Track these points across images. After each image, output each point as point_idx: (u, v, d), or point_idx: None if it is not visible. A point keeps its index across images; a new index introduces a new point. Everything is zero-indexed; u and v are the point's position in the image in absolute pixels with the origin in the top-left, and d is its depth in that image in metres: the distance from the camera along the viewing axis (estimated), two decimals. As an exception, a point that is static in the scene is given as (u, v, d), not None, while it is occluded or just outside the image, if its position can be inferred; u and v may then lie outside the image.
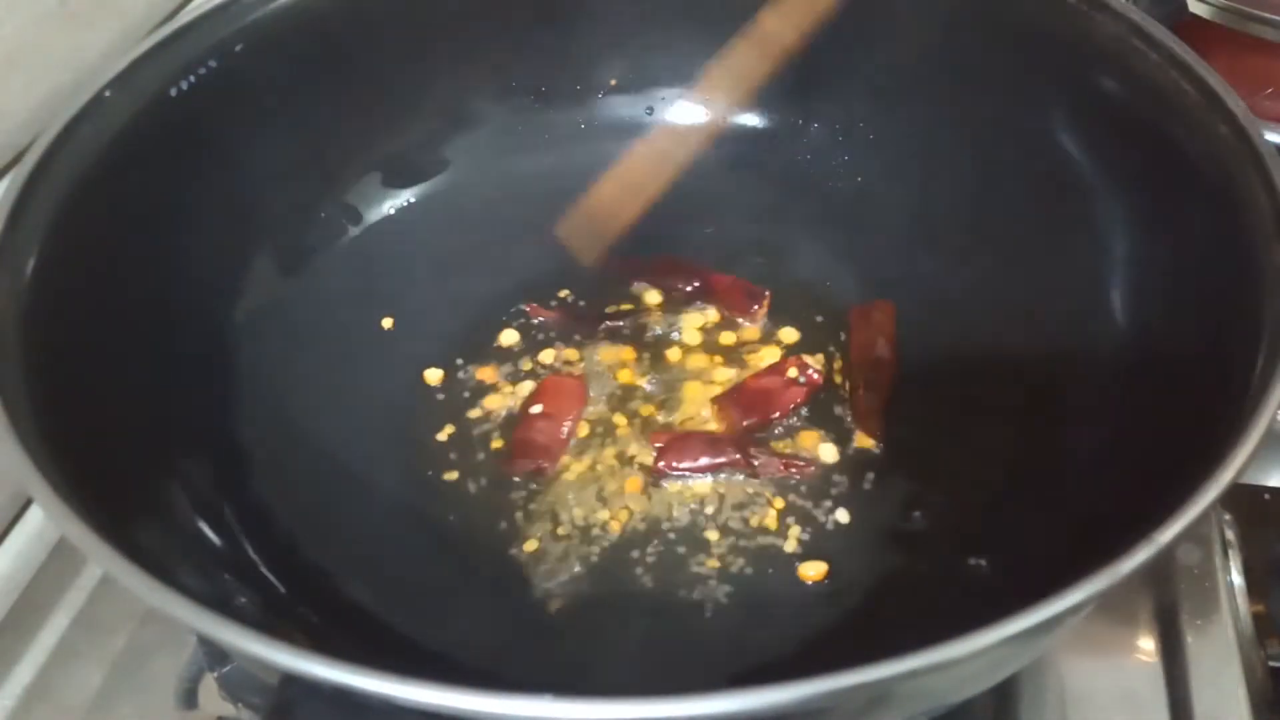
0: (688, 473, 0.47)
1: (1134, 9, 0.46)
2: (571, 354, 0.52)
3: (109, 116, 0.44)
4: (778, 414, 0.49)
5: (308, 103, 0.53)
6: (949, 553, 0.44)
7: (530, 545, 0.45)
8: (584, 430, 0.49)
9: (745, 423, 0.49)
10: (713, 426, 0.49)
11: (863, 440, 0.48)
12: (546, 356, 0.52)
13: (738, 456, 0.47)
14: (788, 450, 0.48)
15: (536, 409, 0.49)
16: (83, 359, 0.41)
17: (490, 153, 0.59)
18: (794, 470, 0.47)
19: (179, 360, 0.46)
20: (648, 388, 0.51)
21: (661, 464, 0.47)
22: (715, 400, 0.50)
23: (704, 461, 0.47)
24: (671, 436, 0.48)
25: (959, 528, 0.45)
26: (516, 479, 0.47)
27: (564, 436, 0.48)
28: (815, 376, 0.50)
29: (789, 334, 0.53)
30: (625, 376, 0.51)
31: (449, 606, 0.43)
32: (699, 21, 0.57)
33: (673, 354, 0.52)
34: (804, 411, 0.49)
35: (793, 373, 0.50)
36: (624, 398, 0.50)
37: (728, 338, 0.53)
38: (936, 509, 0.46)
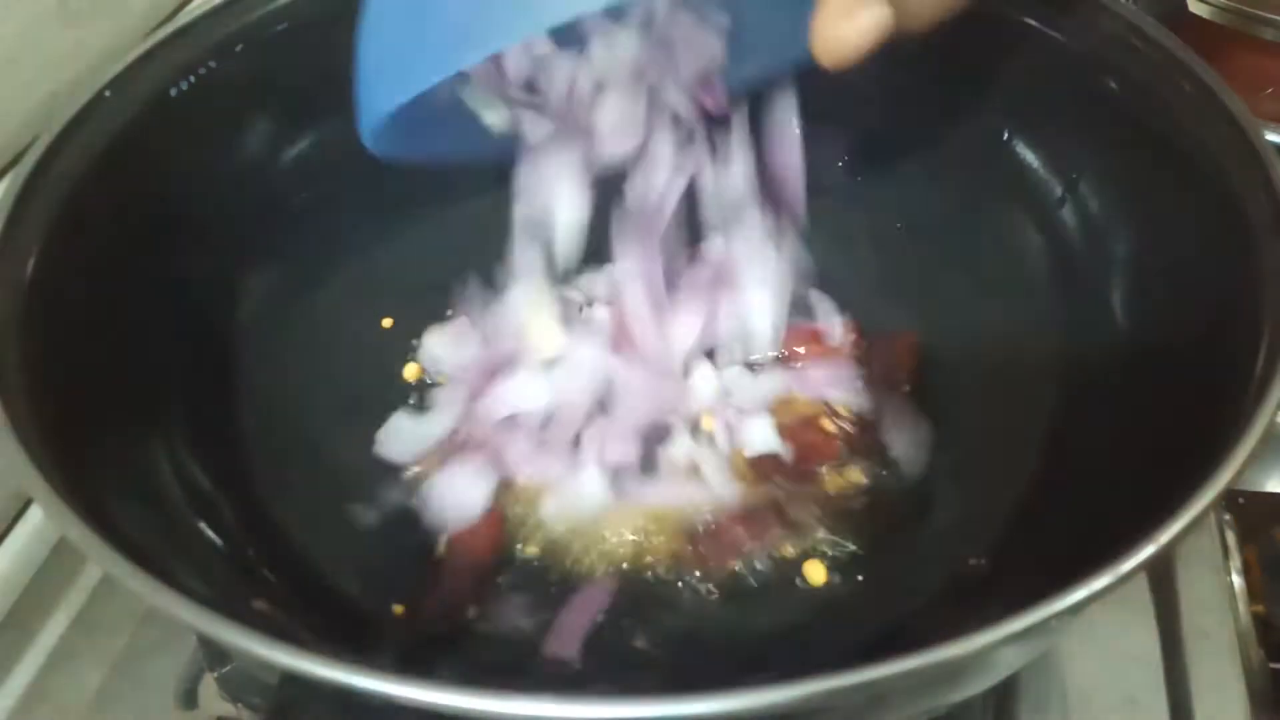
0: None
1: (1134, 9, 0.46)
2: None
3: (109, 116, 0.44)
4: (812, 468, 0.47)
5: (307, 103, 0.53)
6: (949, 553, 0.44)
7: (531, 549, 0.45)
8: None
9: (779, 479, 0.47)
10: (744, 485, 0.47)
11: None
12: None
13: (777, 530, 0.45)
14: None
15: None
16: (83, 359, 0.41)
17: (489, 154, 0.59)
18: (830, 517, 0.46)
19: (179, 360, 0.46)
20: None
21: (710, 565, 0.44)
22: (750, 461, 0.47)
23: (749, 549, 0.45)
24: (707, 536, 0.45)
25: (959, 528, 0.45)
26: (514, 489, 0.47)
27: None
28: (849, 429, 0.48)
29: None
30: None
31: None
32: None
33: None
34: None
35: (827, 425, 0.48)
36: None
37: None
38: (937, 510, 0.46)
